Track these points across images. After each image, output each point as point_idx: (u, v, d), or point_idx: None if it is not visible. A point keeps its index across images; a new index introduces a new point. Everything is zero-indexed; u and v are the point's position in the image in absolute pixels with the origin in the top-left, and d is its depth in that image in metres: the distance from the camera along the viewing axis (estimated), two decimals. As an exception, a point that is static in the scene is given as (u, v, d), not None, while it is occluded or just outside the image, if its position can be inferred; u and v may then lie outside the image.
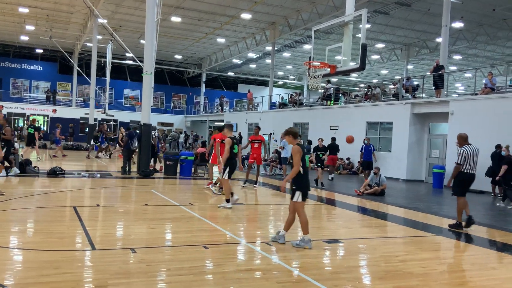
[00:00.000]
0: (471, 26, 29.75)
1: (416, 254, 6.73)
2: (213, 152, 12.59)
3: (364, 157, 18.07)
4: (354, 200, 12.84)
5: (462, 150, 8.74)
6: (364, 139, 18.87)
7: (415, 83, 23.11)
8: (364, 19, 9.21)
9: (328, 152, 17.22)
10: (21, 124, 41.10)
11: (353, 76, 49.76)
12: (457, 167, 8.78)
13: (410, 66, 41.50)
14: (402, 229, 9.14)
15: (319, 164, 15.86)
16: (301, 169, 6.70)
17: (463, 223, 8.79)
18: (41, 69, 48.30)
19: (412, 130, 20.19)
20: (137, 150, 16.63)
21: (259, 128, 15.39)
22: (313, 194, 13.75)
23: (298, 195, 6.72)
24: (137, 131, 16.77)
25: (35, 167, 14.94)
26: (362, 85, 30.87)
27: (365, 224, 9.49)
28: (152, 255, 5.81)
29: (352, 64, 9.88)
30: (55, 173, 14.59)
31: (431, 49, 35.71)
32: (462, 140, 8.93)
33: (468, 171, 8.74)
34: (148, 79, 16.86)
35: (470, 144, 8.83)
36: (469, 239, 8.20)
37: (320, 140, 16.63)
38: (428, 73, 22.58)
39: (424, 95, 23.82)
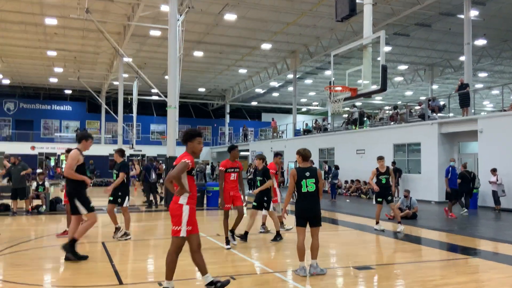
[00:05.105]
0: (495, 43, 29.34)
1: (452, 278, 6.46)
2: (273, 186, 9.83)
3: (451, 184, 14.49)
4: (385, 224, 12.51)
5: None
6: (451, 160, 15.74)
7: (441, 103, 22.80)
8: (382, 41, 9.19)
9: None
10: (52, 164, 42.17)
11: (378, 99, 49.46)
12: None
13: (435, 86, 41.01)
14: (437, 253, 8.82)
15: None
16: (295, 193, 6.56)
17: None
18: (70, 109, 49.78)
19: (441, 150, 19.75)
20: (156, 182, 16.73)
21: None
22: (343, 220, 13.49)
23: (295, 220, 6.56)
24: (154, 163, 16.93)
25: (64, 204, 15.16)
26: (387, 107, 30.58)
27: (398, 249, 9.21)
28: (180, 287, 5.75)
29: (373, 86, 9.81)
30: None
31: (455, 68, 35.29)
32: None
33: None
34: (173, 113, 17.13)
35: None
36: (509, 260, 7.83)
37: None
38: (454, 92, 22.23)
39: (451, 114, 23.42)
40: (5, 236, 9.51)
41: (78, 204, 7.28)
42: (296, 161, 6.89)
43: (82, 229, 7.36)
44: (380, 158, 11.15)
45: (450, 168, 14.76)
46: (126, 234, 9.48)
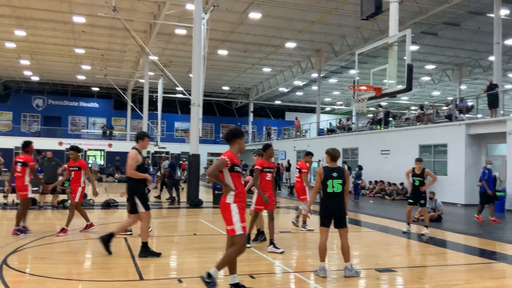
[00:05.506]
0: (526, 42, 28.49)
1: (477, 283, 6.29)
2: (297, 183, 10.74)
3: (490, 187, 13.83)
4: (406, 226, 12.30)
5: None
6: (487, 162, 14.94)
7: (469, 103, 22.30)
8: (408, 39, 9.02)
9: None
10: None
11: (404, 99, 48.71)
12: None
13: (463, 87, 40.13)
14: (461, 256, 8.62)
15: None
16: (321, 193, 6.49)
17: None
18: (97, 106, 50.63)
19: (468, 152, 19.33)
20: (181, 179, 16.89)
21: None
22: (365, 221, 13.34)
23: (319, 220, 6.49)
24: (179, 161, 17.09)
25: (90, 199, 15.47)
26: (413, 107, 30.05)
27: (422, 252, 9.04)
28: (199, 285, 5.74)
29: (399, 86, 9.65)
30: (108, 205, 15.04)
31: (484, 68, 34.44)
32: None
33: None
34: (196, 111, 17.23)
35: None
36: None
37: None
38: (482, 92, 21.72)
39: (480, 115, 22.88)
40: (31, 229, 9.71)
41: (138, 201, 7.44)
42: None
43: (143, 231, 7.53)
44: (418, 160, 10.88)
45: (487, 170, 14.07)
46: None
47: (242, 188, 5.40)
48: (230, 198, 5.27)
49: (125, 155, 11.28)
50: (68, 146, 10.29)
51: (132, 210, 7.60)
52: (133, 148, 7.61)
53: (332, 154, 6.57)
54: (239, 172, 5.39)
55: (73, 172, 9.84)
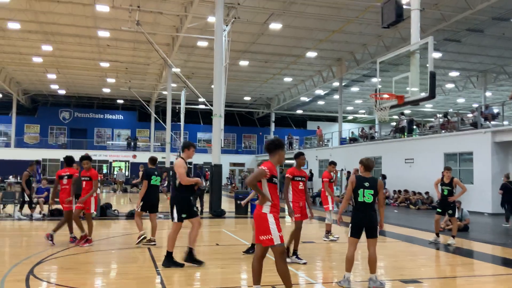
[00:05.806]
0: (553, 47, 27.88)
1: (506, 295, 6.14)
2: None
3: None
4: (434, 236, 12.08)
5: None
6: None
7: (495, 110, 21.86)
8: (430, 47, 8.93)
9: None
10: (104, 170, 43.79)
11: (428, 106, 48.06)
12: None
13: (488, 93, 39.39)
14: (489, 267, 8.42)
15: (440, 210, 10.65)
16: (352, 201, 6.46)
17: None
18: (122, 118, 51.49)
19: (495, 159, 18.92)
20: (205, 189, 16.99)
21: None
22: (390, 231, 13.15)
23: (349, 230, 6.44)
24: (204, 171, 17.19)
25: (114, 210, 15.70)
26: (440, 115, 29.62)
27: (448, 262, 8.86)
28: (222, 296, 5.79)
29: (422, 94, 9.55)
30: (133, 215, 15.19)
31: (510, 75, 33.80)
32: None
33: None
34: (218, 121, 17.36)
35: None
36: None
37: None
38: (508, 99, 21.28)
39: (506, 122, 22.38)
40: (58, 240, 9.90)
41: (174, 210, 7.54)
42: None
43: (170, 240, 7.57)
44: (447, 169, 10.68)
45: None
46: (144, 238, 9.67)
47: (277, 200, 5.44)
48: (266, 208, 5.30)
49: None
50: (94, 158, 10.43)
51: (191, 214, 7.67)
52: (180, 157, 7.77)
53: (366, 164, 6.59)
54: (276, 184, 5.44)
55: (84, 182, 9.72)
